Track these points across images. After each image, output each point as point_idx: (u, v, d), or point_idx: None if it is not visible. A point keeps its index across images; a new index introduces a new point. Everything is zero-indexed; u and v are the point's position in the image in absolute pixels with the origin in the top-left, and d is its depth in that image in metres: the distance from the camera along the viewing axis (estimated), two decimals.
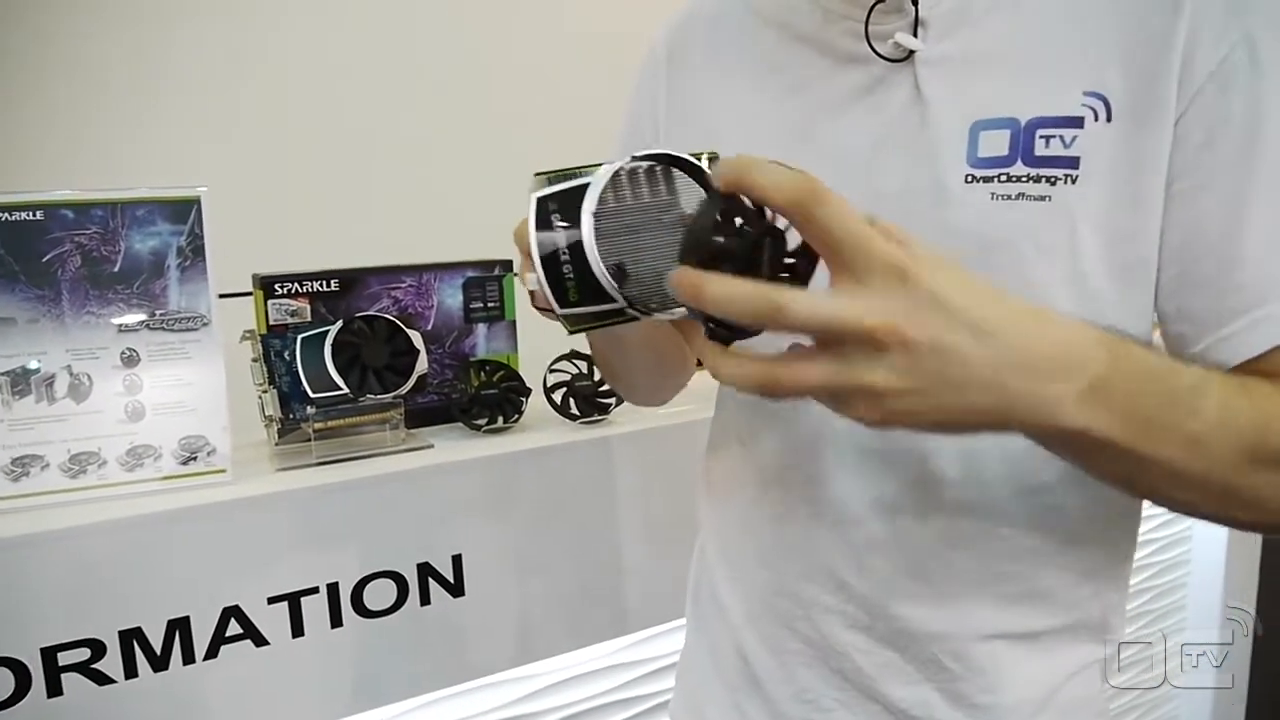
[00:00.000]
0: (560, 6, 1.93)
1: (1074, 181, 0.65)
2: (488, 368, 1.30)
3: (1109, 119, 0.64)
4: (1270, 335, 0.61)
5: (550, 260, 0.57)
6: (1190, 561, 2.18)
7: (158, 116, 1.52)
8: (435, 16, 1.77)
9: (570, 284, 0.57)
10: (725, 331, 0.51)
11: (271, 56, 1.63)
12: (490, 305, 1.34)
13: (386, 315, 1.21)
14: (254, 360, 1.16)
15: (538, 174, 0.58)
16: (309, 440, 1.17)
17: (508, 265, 1.35)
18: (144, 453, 1.07)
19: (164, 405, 1.08)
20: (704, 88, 0.83)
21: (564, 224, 0.56)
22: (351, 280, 1.26)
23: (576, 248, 0.56)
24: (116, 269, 1.07)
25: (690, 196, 0.59)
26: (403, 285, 1.29)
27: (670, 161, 0.58)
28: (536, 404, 1.31)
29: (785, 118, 0.76)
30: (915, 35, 0.69)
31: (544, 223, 0.57)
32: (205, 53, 1.57)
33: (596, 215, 0.56)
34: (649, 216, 0.57)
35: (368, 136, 1.73)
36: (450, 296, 1.32)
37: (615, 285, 0.55)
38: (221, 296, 1.13)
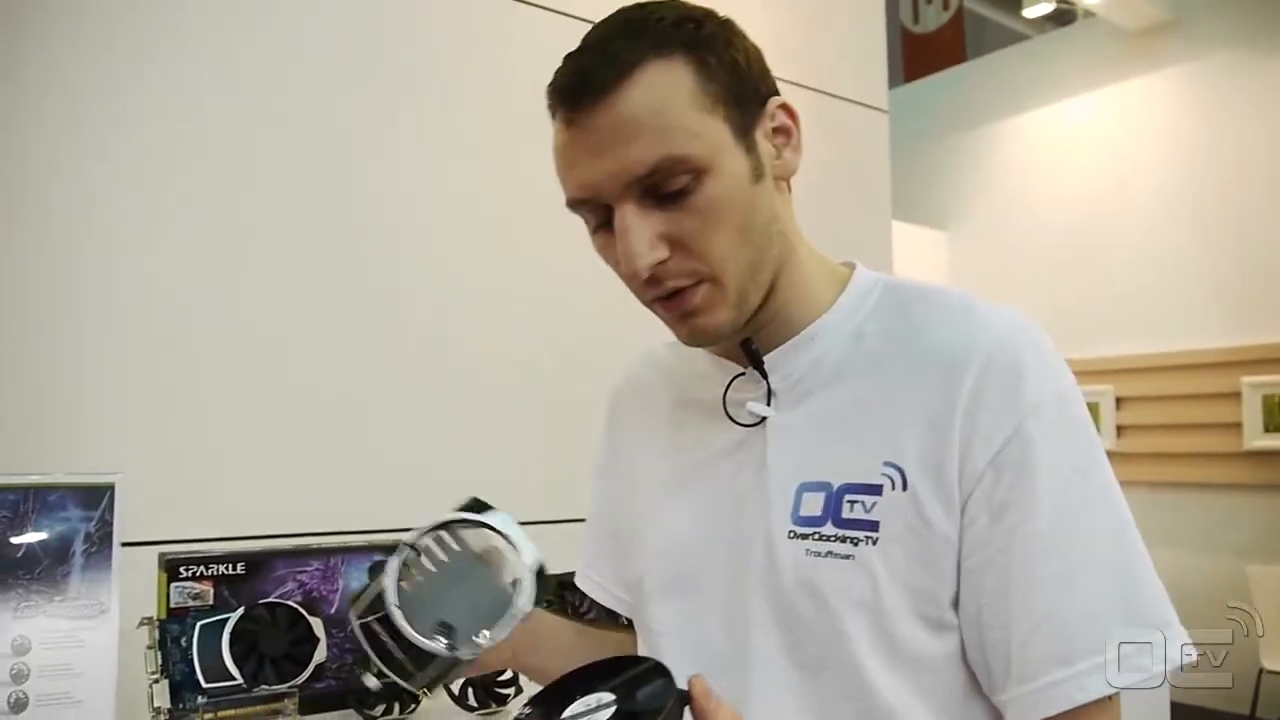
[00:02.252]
0: (471, 256, 2.06)
1: (874, 543, 0.73)
2: None
3: (904, 488, 0.73)
4: (1039, 707, 0.69)
5: (393, 664, 0.69)
6: None
7: (71, 394, 1.56)
8: (352, 276, 1.87)
9: (410, 665, 0.68)
10: None
11: (180, 317, 1.70)
12: None
13: (289, 602, 1.22)
14: (149, 648, 1.16)
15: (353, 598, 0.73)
16: None
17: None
18: None
19: (49, 695, 1.06)
20: (628, 443, 0.95)
21: (381, 626, 0.68)
22: (258, 563, 1.27)
23: (405, 642, 0.67)
24: (20, 555, 1.08)
25: (475, 539, 0.73)
26: (309, 569, 1.31)
27: (445, 525, 0.71)
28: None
29: (672, 470, 0.87)
30: (769, 404, 0.79)
31: (372, 638, 0.69)
32: (117, 315, 1.63)
33: (401, 604, 0.67)
34: (450, 573, 0.70)
35: (281, 399, 1.79)
36: (356, 579, 1.34)
37: (446, 641, 0.68)
38: (124, 545, 1.13)
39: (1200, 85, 4.55)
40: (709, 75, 0.71)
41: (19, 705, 1.05)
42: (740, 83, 0.74)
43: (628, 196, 0.71)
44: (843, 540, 0.73)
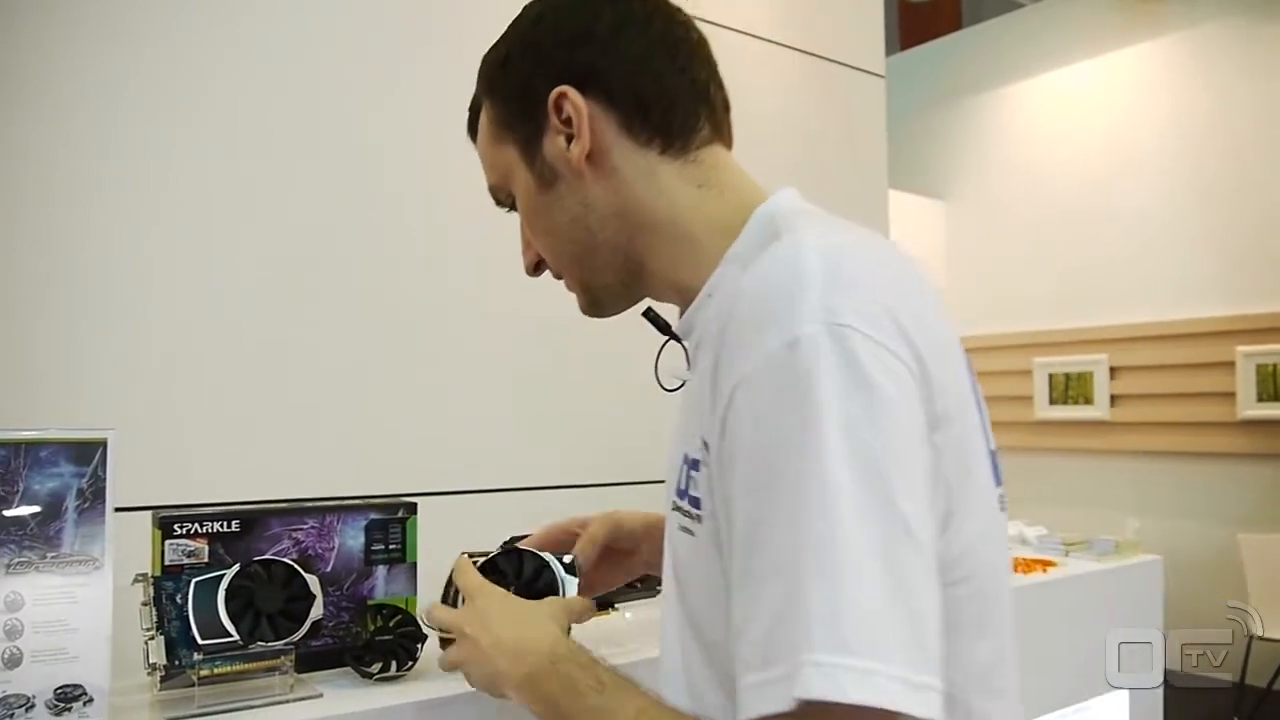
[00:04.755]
0: (453, 234, 2.04)
1: (700, 520, 0.69)
2: (384, 612, 1.29)
3: (707, 465, 0.68)
4: (747, 707, 0.59)
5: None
6: None
7: (64, 346, 1.55)
8: (350, 240, 1.86)
9: None
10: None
11: (180, 281, 1.69)
12: (392, 547, 1.36)
13: (285, 559, 1.21)
14: (144, 604, 1.15)
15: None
16: (193, 685, 1.14)
17: (411, 508, 1.38)
18: (15, 703, 1.04)
19: (44, 652, 1.06)
20: None
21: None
22: (253, 521, 1.26)
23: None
24: (11, 511, 1.07)
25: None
26: (304, 526, 1.30)
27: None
28: (433, 649, 1.29)
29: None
30: (689, 368, 0.80)
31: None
32: (111, 276, 1.62)
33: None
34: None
35: (277, 363, 1.78)
36: (352, 538, 1.33)
37: None
38: (118, 510, 1.12)
39: (1199, 53, 4.53)
40: (497, 109, 0.86)
41: (13, 661, 1.04)
42: (520, 100, 0.83)
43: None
44: (688, 514, 0.71)
